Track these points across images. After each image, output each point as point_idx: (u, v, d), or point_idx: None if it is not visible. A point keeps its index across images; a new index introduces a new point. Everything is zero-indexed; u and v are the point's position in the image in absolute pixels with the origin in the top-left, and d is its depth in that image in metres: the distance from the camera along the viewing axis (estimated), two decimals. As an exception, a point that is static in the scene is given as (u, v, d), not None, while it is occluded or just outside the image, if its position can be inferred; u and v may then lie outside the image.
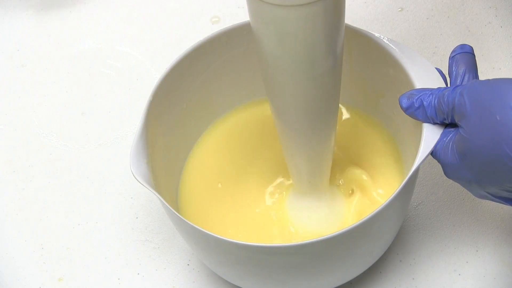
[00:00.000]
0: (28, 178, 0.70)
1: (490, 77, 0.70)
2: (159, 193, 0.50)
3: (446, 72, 0.53)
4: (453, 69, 0.51)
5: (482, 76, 0.70)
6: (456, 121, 0.48)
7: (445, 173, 0.50)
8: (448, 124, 0.50)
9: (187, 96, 0.60)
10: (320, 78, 0.48)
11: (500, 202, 0.49)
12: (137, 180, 0.50)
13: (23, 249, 0.65)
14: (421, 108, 0.50)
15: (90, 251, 0.64)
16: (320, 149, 0.54)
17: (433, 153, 0.50)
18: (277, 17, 0.44)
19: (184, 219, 0.49)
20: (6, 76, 0.79)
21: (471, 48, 0.52)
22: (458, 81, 0.51)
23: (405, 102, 0.51)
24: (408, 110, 0.51)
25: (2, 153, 0.72)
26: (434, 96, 0.49)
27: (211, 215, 0.60)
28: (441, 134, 0.49)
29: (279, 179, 0.61)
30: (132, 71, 0.77)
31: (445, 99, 0.48)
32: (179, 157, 0.62)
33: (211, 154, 0.64)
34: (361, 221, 0.46)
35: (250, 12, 0.47)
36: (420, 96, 0.50)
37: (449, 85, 0.52)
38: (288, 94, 0.50)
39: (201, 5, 0.81)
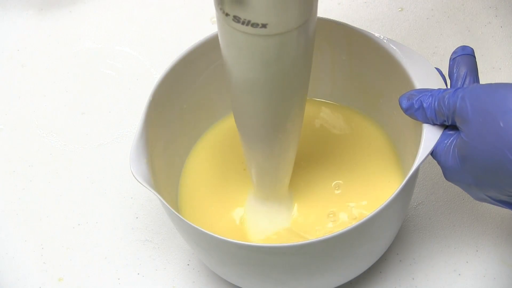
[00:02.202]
0: (28, 178, 0.70)
1: (490, 77, 0.70)
2: (159, 193, 0.50)
3: (445, 73, 0.53)
4: (454, 71, 0.51)
5: (482, 76, 0.70)
6: (457, 124, 0.48)
7: (445, 176, 0.50)
8: (448, 125, 0.50)
9: (187, 96, 0.60)
10: (289, 98, 0.50)
11: (499, 206, 0.49)
12: (137, 180, 0.50)
13: (23, 249, 0.65)
14: (420, 109, 0.50)
15: (90, 251, 0.64)
16: (282, 159, 0.55)
17: (434, 156, 0.50)
18: (251, 44, 0.45)
19: (184, 219, 0.49)
20: (6, 76, 0.79)
21: (472, 50, 0.52)
22: (459, 83, 0.50)
23: (405, 103, 0.51)
24: (408, 110, 0.51)
25: (2, 153, 0.72)
26: (434, 98, 0.49)
27: (211, 215, 0.60)
28: (442, 136, 0.49)
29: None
30: (132, 71, 0.77)
31: (446, 102, 0.48)
32: (179, 157, 0.62)
33: (211, 154, 0.64)
34: (361, 221, 0.46)
35: (220, 35, 0.48)
36: (420, 97, 0.50)
37: (449, 87, 0.52)
38: (255, 112, 0.51)
39: (201, 5, 0.81)
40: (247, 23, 0.44)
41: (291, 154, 0.56)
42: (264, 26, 0.44)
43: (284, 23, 0.44)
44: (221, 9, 0.45)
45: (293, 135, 0.54)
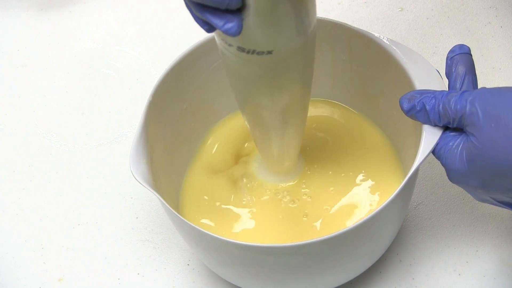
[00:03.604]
0: (28, 178, 0.70)
1: (490, 77, 0.70)
2: (159, 193, 0.50)
3: (442, 71, 0.53)
4: (453, 70, 0.51)
5: (482, 76, 0.70)
6: (465, 128, 0.47)
7: (450, 178, 0.50)
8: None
9: (187, 96, 0.60)
10: (293, 99, 0.52)
11: (501, 206, 0.49)
12: (137, 180, 0.50)
13: (23, 249, 0.65)
14: (422, 111, 0.50)
15: (90, 251, 0.64)
16: (289, 142, 0.56)
17: (438, 158, 0.50)
18: (257, 68, 0.47)
19: (184, 219, 0.49)
20: (6, 76, 0.79)
21: (469, 48, 0.52)
22: (458, 83, 0.50)
23: (406, 104, 0.51)
24: (409, 112, 0.51)
25: (2, 153, 0.72)
26: (437, 100, 0.49)
27: (211, 215, 0.60)
28: (445, 138, 0.49)
29: (282, 181, 0.61)
30: (132, 71, 0.77)
31: (452, 106, 0.48)
32: (179, 157, 0.62)
33: (211, 155, 0.64)
34: (361, 221, 0.46)
35: (223, 60, 0.49)
36: (422, 99, 0.50)
37: (447, 86, 0.52)
38: (260, 114, 0.53)
39: (201, 5, 0.81)
40: (252, 52, 0.45)
41: (297, 138, 0.57)
42: (269, 52, 0.45)
43: (289, 46, 0.45)
44: (223, 39, 0.46)
45: (298, 122, 0.55)
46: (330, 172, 0.61)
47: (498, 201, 0.48)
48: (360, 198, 0.59)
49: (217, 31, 0.45)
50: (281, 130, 0.55)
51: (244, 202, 0.60)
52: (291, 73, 0.48)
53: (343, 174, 0.60)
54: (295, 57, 0.47)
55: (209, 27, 0.43)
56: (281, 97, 0.51)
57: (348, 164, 0.61)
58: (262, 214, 0.59)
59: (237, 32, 0.42)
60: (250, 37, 0.44)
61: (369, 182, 0.59)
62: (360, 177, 0.60)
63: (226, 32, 0.42)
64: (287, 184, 0.60)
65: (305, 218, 0.58)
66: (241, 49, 0.45)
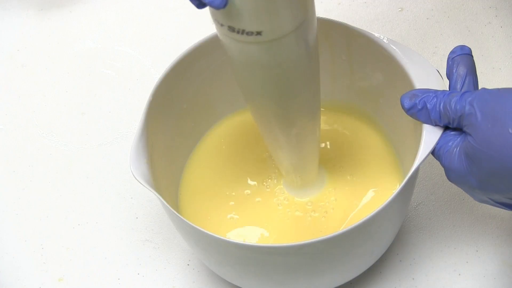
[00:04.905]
0: (28, 178, 0.70)
1: (490, 78, 0.70)
2: (159, 193, 0.50)
3: (442, 71, 0.53)
4: (454, 71, 0.51)
5: (482, 76, 0.70)
6: (464, 128, 0.47)
7: (449, 178, 0.50)
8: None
9: (187, 96, 0.60)
10: (297, 96, 0.50)
11: (500, 207, 0.49)
12: (137, 180, 0.50)
13: (23, 249, 0.65)
14: (424, 109, 0.50)
15: (90, 251, 0.64)
16: (304, 151, 0.56)
17: (437, 157, 0.50)
18: (249, 52, 0.46)
19: (184, 219, 0.49)
20: (6, 76, 0.79)
21: (470, 49, 0.52)
22: (459, 83, 0.50)
23: (407, 103, 0.51)
24: (410, 110, 0.51)
25: (2, 153, 0.72)
26: (438, 99, 0.49)
27: (211, 215, 0.60)
28: (445, 137, 0.49)
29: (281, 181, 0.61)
30: (132, 71, 0.77)
31: (453, 106, 0.48)
32: (179, 157, 0.62)
33: (212, 154, 0.64)
34: (361, 221, 0.46)
35: (221, 44, 0.48)
36: (423, 97, 0.50)
37: (447, 87, 0.52)
38: (265, 109, 0.52)
39: (201, 5, 0.81)
40: (242, 32, 0.45)
41: (312, 146, 0.56)
42: (259, 33, 0.44)
43: (279, 28, 0.45)
44: (216, 19, 0.46)
45: (309, 127, 0.54)
46: (330, 172, 0.61)
47: (497, 202, 0.48)
48: (360, 198, 0.59)
49: (210, 11, 0.45)
50: (290, 133, 0.53)
51: (246, 203, 0.60)
52: (286, 63, 0.47)
53: (342, 174, 0.60)
54: (288, 43, 0.46)
55: (198, 2, 0.43)
56: (281, 90, 0.50)
57: (348, 164, 0.61)
58: (263, 215, 0.59)
59: (221, 4, 0.42)
60: (237, 15, 0.44)
61: (369, 182, 0.59)
62: (360, 177, 0.60)
63: (210, 4, 0.42)
64: (296, 190, 0.60)
65: (302, 213, 0.58)
66: (231, 28, 0.45)
